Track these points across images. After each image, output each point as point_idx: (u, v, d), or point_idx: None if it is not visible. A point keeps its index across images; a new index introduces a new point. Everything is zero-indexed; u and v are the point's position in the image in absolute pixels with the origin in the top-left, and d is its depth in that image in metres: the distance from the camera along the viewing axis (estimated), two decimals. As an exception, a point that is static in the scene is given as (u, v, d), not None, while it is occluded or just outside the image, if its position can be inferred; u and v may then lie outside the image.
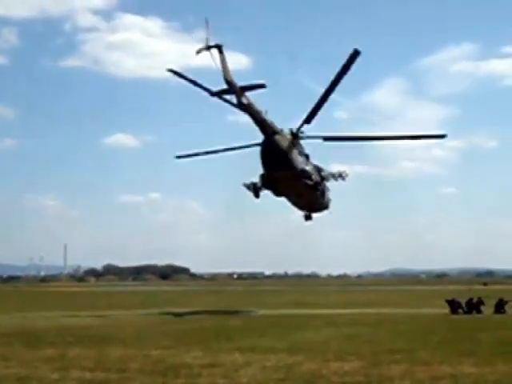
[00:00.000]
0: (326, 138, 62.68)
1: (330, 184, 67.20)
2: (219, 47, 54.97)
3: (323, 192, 67.10)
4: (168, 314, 64.85)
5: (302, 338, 38.70)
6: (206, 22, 54.48)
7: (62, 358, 30.12)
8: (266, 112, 58.97)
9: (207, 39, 54.69)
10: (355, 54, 54.08)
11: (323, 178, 65.19)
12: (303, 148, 63.61)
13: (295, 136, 61.19)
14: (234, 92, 55.67)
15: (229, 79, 55.10)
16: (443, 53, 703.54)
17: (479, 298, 62.55)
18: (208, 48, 54.49)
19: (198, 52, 54.84)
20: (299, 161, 61.40)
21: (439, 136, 64.81)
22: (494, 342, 34.93)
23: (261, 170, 61.54)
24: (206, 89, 56.80)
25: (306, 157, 63.87)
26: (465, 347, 32.67)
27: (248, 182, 64.49)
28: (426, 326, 46.33)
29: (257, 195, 64.05)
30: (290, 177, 60.85)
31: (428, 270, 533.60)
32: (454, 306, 61.16)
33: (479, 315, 58.74)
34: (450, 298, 63.04)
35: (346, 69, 55.07)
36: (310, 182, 62.15)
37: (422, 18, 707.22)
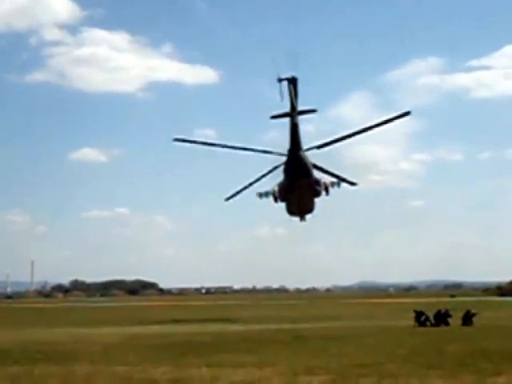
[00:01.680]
0: (320, 147, 67.61)
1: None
2: (289, 80, 61.85)
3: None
4: (136, 329, 64.37)
5: (270, 352, 38.58)
6: (273, 59, 61.71)
7: (27, 375, 29.70)
8: None
9: (278, 73, 61.24)
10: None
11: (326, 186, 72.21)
12: None
13: None
14: (291, 115, 63.04)
15: (296, 106, 62.67)
16: (409, 67, 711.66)
17: (446, 311, 63.00)
18: (280, 80, 61.38)
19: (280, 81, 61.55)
20: (313, 171, 69.49)
21: (404, 114, 66.76)
22: (461, 354, 35.19)
23: None
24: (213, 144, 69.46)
25: None
26: (432, 360, 32.86)
27: (262, 191, 71.46)
28: (393, 339, 46.45)
29: (275, 200, 71.65)
30: (307, 184, 69.27)
31: (396, 283, 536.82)
32: (421, 317, 61.52)
33: (447, 327, 59.18)
34: (419, 310, 63.46)
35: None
36: (320, 189, 70.74)
37: (387, 32, 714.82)
